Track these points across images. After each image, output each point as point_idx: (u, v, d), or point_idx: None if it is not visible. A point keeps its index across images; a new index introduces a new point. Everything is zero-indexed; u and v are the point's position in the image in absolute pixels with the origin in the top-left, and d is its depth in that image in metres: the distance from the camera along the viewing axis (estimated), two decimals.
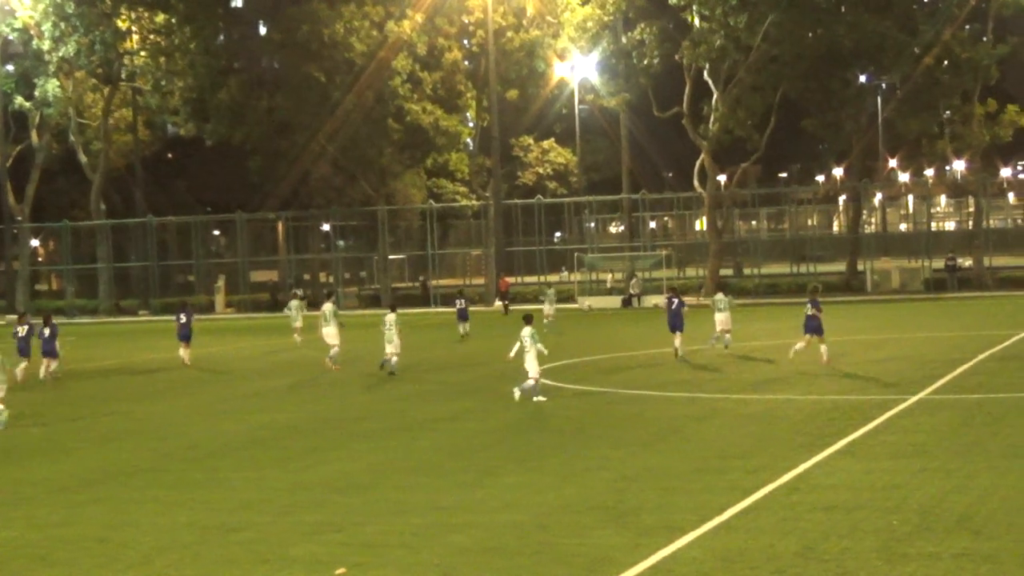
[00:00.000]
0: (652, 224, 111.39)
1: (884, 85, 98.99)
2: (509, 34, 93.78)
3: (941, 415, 26.58)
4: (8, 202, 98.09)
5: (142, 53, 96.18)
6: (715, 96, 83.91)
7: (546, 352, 33.11)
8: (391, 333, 41.22)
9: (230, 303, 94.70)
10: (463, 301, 58.10)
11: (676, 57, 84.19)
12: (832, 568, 14.69)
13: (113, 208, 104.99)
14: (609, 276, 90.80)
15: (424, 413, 30.84)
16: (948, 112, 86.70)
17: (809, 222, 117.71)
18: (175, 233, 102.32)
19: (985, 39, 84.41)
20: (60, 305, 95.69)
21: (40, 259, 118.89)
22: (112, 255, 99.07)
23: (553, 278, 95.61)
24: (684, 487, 19.93)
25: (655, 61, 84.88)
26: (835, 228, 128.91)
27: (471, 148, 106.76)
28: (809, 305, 38.90)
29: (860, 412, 27.24)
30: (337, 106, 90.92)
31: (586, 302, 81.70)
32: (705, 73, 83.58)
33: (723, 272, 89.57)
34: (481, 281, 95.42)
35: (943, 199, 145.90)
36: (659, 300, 78.01)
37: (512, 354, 32.66)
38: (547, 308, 62.39)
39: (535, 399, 31.68)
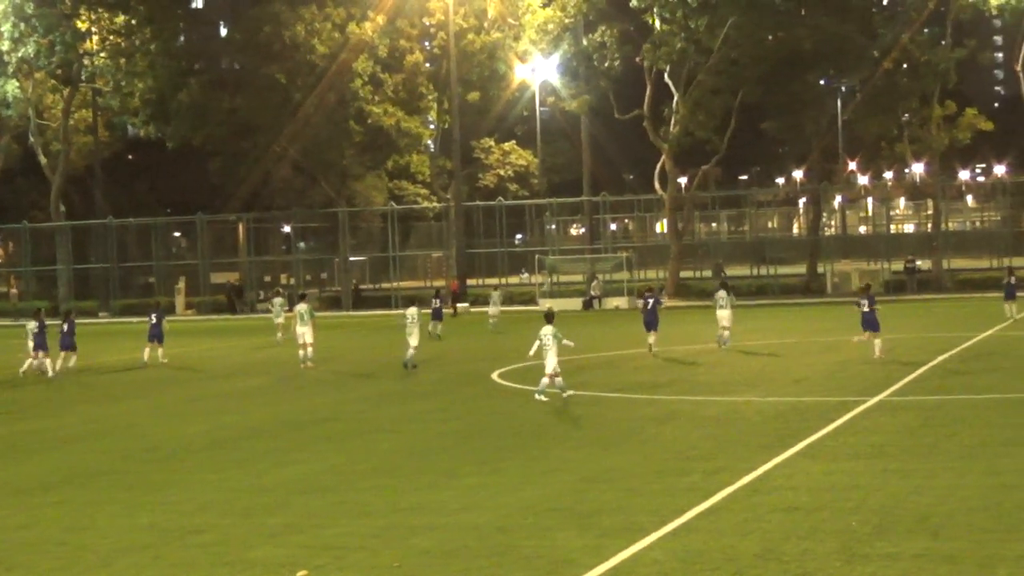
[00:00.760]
0: (613, 226, 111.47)
1: (844, 88, 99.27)
2: (470, 36, 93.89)
3: (901, 417, 26.68)
4: None
5: (102, 54, 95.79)
6: (676, 98, 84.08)
7: (572, 344, 32.97)
8: (412, 327, 42.27)
9: (191, 305, 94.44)
10: (438, 301, 58.75)
11: (637, 59, 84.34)
12: (792, 569, 14.74)
13: (73, 209, 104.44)
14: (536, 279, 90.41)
15: (385, 415, 30.84)
16: (907, 115, 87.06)
17: (769, 224, 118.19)
18: (135, 234, 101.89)
19: (944, 43, 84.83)
20: (18, 306, 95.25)
21: None
22: (72, 257, 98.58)
23: (514, 280, 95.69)
24: (645, 488, 19.96)
25: (616, 63, 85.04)
26: (795, 230, 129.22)
27: (432, 150, 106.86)
28: (865, 302, 39.28)
29: (820, 413, 27.33)
30: (298, 108, 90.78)
31: (545, 304, 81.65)
32: (666, 75, 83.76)
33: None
34: (442, 283, 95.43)
35: (902, 201, 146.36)
36: (620, 302, 78.26)
37: (532, 351, 32.62)
38: (492, 309, 64.03)
39: (537, 397, 31.74)
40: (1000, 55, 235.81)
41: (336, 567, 15.81)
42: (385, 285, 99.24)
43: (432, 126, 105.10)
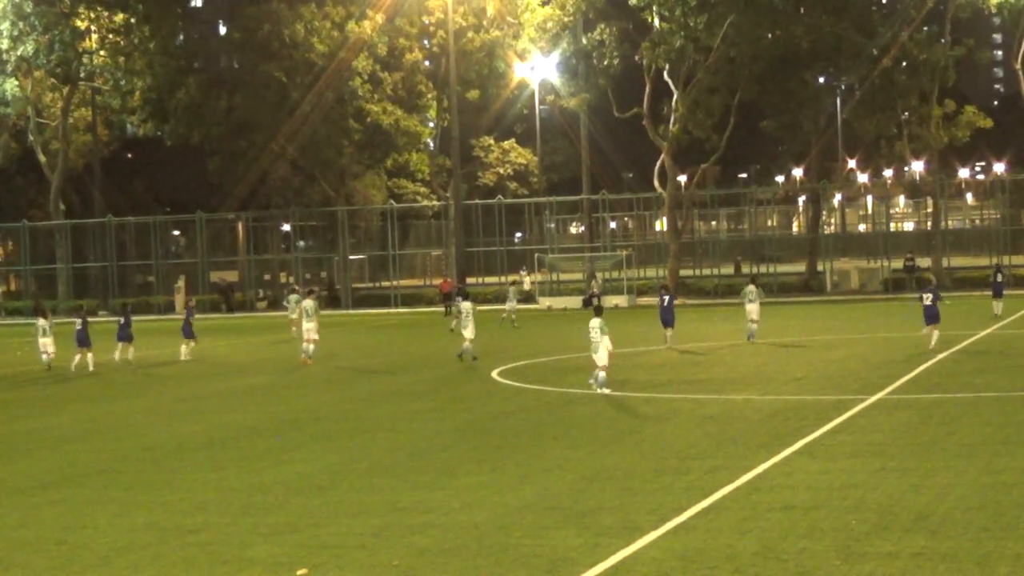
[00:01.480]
0: (612, 224, 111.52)
1: (843, 86, 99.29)
2: (470, 34, 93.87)
3: (899, 415, 26.67)
4: None
5: (101, 52, 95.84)
6: (675, 97, 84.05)
7: (611, 348, 32.93)
8: (467, 320, 43.08)
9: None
10: (462, 297, 59.03)
11: (636, 58, 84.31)
12: (791, 567, 14.73)
13: (71, 208, 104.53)
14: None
15: (382, 413, 30.81)
16: (906, 113, 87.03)
17: (768, 223, 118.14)
18: (134, 233, 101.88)
19: (943, 41, 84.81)
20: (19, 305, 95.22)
21: None
22: (71, 255, 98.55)
23: (514, 278, 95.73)
24: (643, 487, 19.94)
25: (615, 62, 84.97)
26: (794, 229, 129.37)
27: (431, 148, 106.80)
28: (929, 295, 39.46)
29: (818, 412, 27.33)
30: (296, 106, 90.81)
31: (546, 302, 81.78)
32: (665, 74, 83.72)
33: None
34: (440, 281, 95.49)
35: (901, 200, 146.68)
36: (619, 300, 78.24)
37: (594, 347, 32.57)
38: (509, 305, 64.77)
39: (600, 391, 31.95)
40: (999, 53, 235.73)
41: (335, 566, 15.80)
42: (384, 284, 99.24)
43: (431, 124, 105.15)
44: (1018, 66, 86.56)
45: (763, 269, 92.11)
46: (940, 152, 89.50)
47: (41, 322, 47.66)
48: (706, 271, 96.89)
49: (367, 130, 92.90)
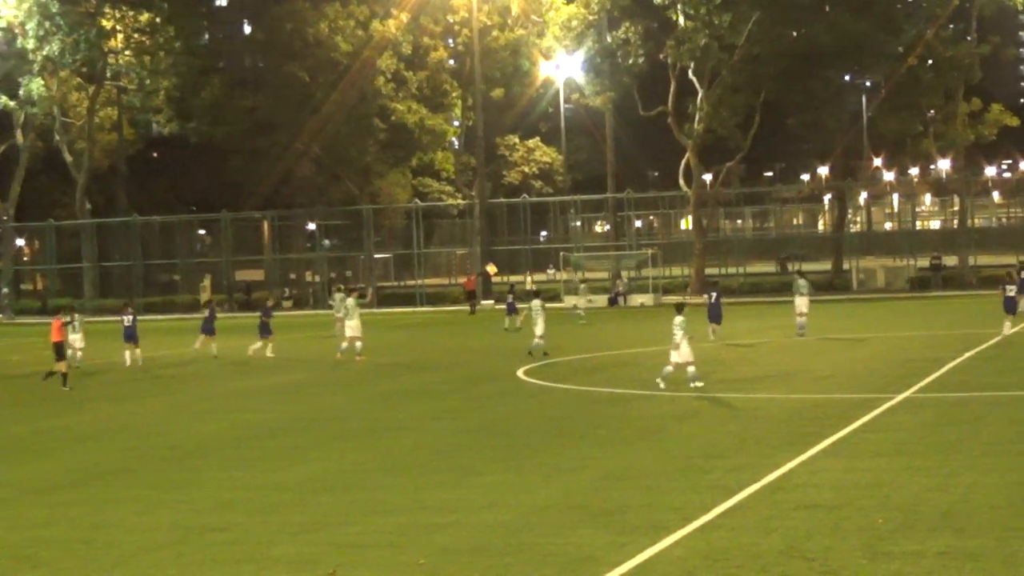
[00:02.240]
0: (637, 223, 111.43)
1: (868, 84, 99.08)
2: (494, 33, 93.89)
3: (924, 414, 26.60)
4: None
5: (126, 52, 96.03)
6: (699, 95, 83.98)
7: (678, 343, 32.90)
8: (537, 316, 43.97)
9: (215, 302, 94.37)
10: (512, 296, 61.54)
11: (661, 56, 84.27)
12: (816, 566, 14.70)
13: (97, 207, 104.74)
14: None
15: (406, 412, 30.82)
16: (931, 111, 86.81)
17: (794, 221, 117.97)
18: (159, 232, 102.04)
19: (968, 38, 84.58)
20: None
21: (25, 258, 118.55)
22: (96, 254, 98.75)
23: (540, 277, 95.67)
24: (667, 486, 19.92)
25: (640, 60, 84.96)
26: (820, 227, 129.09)
27: (456, 147, 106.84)
28: (1013, 287, 39.49)
29: (843, 411, 27.26)
30: (320, 105, 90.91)
31: (581, 300, 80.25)
32: (690, 72, 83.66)
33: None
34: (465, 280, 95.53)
35: (927, 198, 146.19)
36: (644, 299, 78.16)
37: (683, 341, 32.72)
38: (578, 301, 67.35)
39: (692, 385, 32.00)
40: None
41: (359, 564, 15.81)
42: (409, 282, 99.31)
43: (456, 123, 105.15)
44: None
45: (788, 267, 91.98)
46: (966, 150, 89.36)
47: (75, 319, 47.98)
48: (731, 269, 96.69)
49: (391, 129, 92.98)
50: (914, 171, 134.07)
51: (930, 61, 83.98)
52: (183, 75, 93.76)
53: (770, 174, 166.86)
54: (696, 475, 20.72)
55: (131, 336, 47.89)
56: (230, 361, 48.12)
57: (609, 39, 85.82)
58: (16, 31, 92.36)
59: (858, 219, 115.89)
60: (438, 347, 52.56)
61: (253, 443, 26.79)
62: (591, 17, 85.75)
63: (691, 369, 32.31)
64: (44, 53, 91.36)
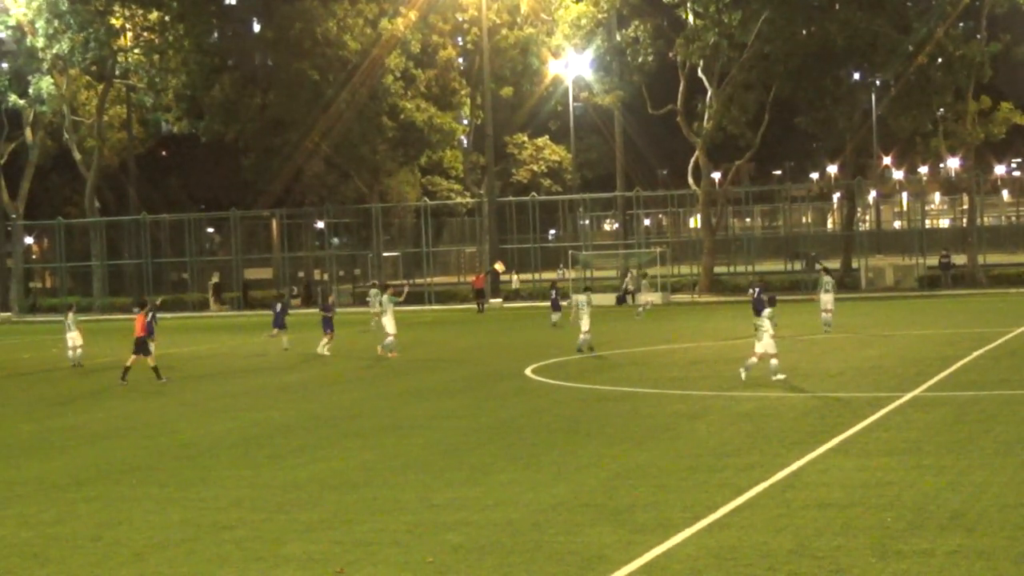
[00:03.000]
0: (646, 221, 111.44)
1: (878, 82, 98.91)
2: (503, 31, 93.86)
3: (935, 412, 26.57)
4: (2, 199, 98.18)
5: (136, 50, 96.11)
6: (709, 93, 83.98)
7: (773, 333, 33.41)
8: (582, 312, 44.39)
9: (224, 301, 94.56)
10: (555, 293, 61.77)
11: (670, 54, 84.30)
12: (826, 565, 14.69)
13: (106, 206, 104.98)
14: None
15: (417, 410, 30.82)
16: (942, 110, 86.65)
17: (803, 219, 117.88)
18: (168, 231, 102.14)
19: (979, 37, 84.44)
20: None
21: (35, 257, 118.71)
22: (106, 253, 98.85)
23: (551, 275, 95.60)
24: (677, 484, 19.92)
25: (649, 58, 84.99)
26: (829, 225, 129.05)
27: (465, 145, 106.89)
28: None
29: (853, 409, 27.24)
30: (330, 103, 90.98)
31: (648, 296, 78.20)
32: (699, 70, 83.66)
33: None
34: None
35: (937, 196, 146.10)
36: (653, 297, 77.98)
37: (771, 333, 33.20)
38: (646, 296, 68.11)
39: (774, 378, 32.57)
40: None
41: (369, 563, 15.82)
42: (418, 281, 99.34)
43: (465, 122, 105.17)
44: None
45: (797, 266, 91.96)
46: (976, 148, 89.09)
47: (68, 318, 48.04)
48: (740, 268, 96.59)
49: (401, 127, 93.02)
50: (924, 169, 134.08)
51: (940, 59, 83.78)
52: (193, 73, 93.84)
53: (779, 172, 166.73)
54: (706, 473, 20.72)
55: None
56: (297, 354, 48.40)
57: (618, 37, 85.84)
58: (26, 29, 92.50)
59: (867, 217, 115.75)
60: (447, 346, 52.56)
61: (264, 441, 26.80)
62: (600, 15, 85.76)
63: (774, 362, 33.00)
64: (54, 51, 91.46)
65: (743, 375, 33.00)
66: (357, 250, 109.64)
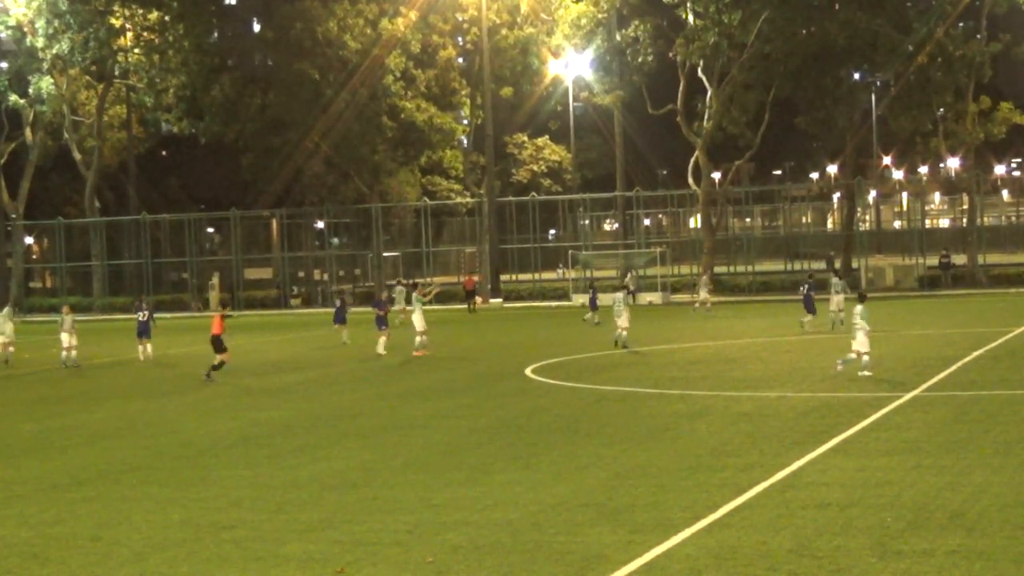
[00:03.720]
0: (646, 221, 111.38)
1: (878, 82, 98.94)
2: (503, 31, 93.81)
3: (935, 412, 26.58)
4: (2, 199, 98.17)
5: (136, 50, 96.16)
6: (709, 93, 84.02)
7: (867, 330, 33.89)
8: (620, 308, 45.21)
9: (225, 302, 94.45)
10: (593, 291, 63.69)
11: (670, 54, 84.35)
12: (826, 565, 14.69)
13: (106, 205, 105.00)
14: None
15: (417, 410, 30.82)
16: (941, 110, 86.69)
17: (803, 219, 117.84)
18: (168, 231, 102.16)
19: (978, 37, 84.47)
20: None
21: (35, 256, 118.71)
22: (106, 253, 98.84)
23: (550, 275, 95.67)
24: (677, 484, 19.92)
25: (649, 58, 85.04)
26: (829, 225, 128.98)
27: (465, 145, 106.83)
28: None
29: (853, 409, 27.25)
30: (330, 104, 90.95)
31: (579, 299, 79.84)
32: (699, 70, 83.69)
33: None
34: (476, 279, 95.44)
35: (937, 196, 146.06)
36: (653, 297, 78.11)
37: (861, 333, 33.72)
38: (702, 295, 67.86)
39: (862, 373, 33.17)
40: None
41: (369, 563, 15.82)
42: (418, 280, 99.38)
43: (465, 122, 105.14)
44: None
45: (797, 266, 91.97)
46: (976, 148, 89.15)
47: (64, 318, 48.08)
48: (740, 268, 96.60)
49: (401, 127, 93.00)
50: (924, 169, 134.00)
51: (940, 59, 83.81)
52: (193, 73, 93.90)
53: (779, 172, 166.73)
54: (706, 473, 20.72)
55: (144, 331, 48.34)
56: (359, 352, 48.42)
57: (618, 37, 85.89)
58: (26, 29, 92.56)
59: (867, 217, 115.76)
60: (447, 346, 52.52)
61: (264, 441, 26.81)
62: (600, 15, 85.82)
63: (865, 359, 33.52)
64: (54, 51, 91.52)
65: (839, 367, 34.07)
66: (357, 250, 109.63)
